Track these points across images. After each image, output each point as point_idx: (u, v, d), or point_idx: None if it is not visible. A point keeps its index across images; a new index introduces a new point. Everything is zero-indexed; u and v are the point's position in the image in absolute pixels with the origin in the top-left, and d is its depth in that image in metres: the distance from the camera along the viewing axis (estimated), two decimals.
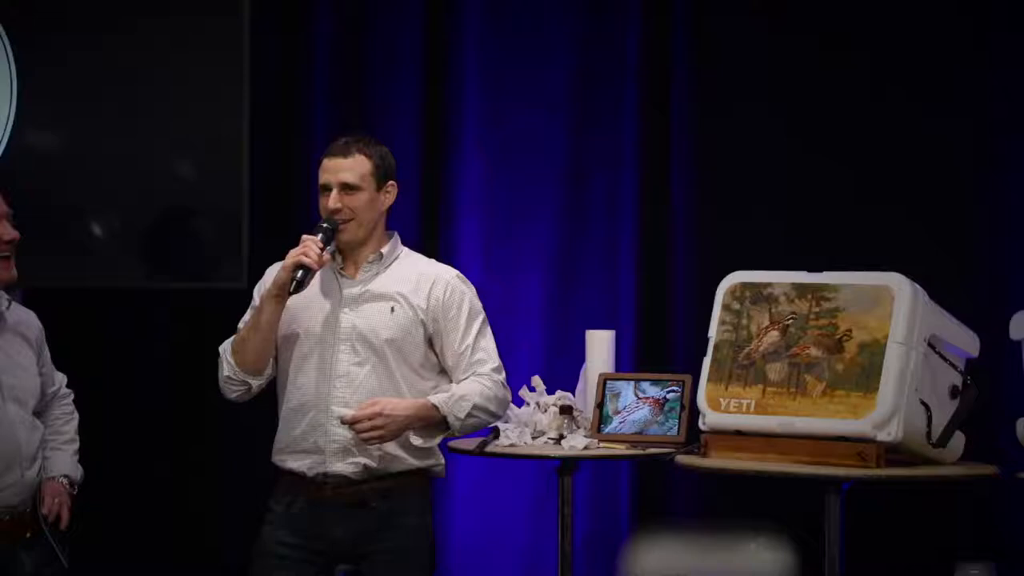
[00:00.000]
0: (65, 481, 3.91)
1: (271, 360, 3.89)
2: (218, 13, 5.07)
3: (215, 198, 5.21)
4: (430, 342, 3.89)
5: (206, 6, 5.10)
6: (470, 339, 3.88)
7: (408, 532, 3.86)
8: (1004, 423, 3.97)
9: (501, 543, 5.16)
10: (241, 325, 3.91)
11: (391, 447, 3.82)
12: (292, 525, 3.85)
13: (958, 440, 3.83)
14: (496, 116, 5.22)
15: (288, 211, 5.26)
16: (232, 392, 3.89)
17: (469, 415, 3.81)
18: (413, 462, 3.85)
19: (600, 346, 4.32)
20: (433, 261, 3.99)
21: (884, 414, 3.67)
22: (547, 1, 5.22)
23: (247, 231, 5.17)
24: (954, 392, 3.82)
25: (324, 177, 3.88)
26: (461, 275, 3.96)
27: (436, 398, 3.82)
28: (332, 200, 3.85)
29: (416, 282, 3.91)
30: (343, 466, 3.81)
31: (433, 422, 3.82)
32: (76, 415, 4.03)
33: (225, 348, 3.88)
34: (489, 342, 3.91)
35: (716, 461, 3.84)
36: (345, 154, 3.89)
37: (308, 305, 3.88)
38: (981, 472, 3.88)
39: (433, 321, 3.88)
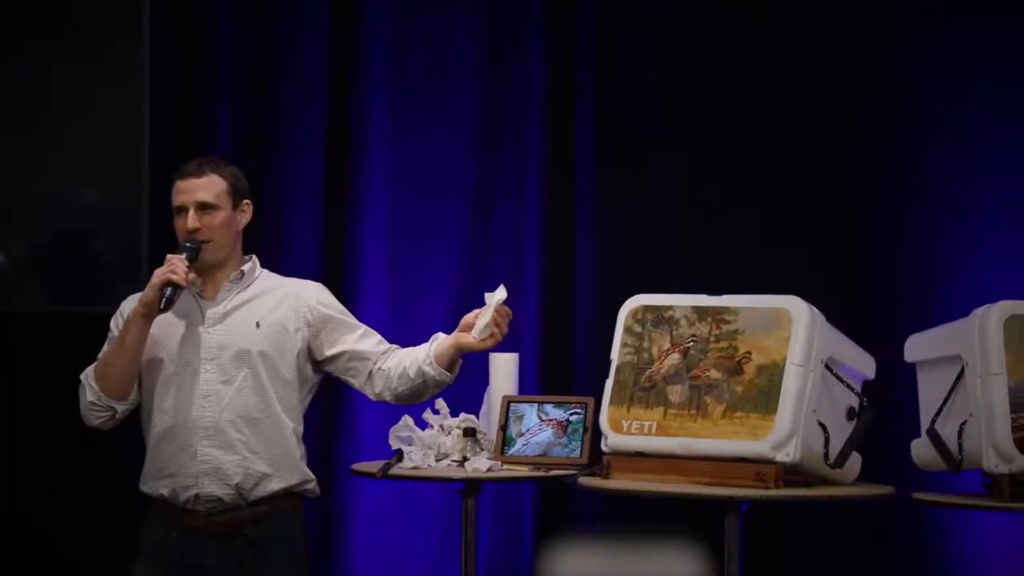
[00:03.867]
0: None
1: (135, 385, 3.86)
2: (119, 38, 5.06)
3: (115, 223, 5.18)
4: (308, 352, 3.92)
5: (107, 32, 5.08)
6: (361, 328, 3.98)
7: (281, 559, 3.86)
8: (899, 444, 4.03)
9: (405, 566, 5.15)
10: (101, 355, 3.88)
11: (262, 465, 3.82)
12: (165, 559, 3.82)
13: (855, 461, 3.88)
14: (400, 141, 5.24)
15: None
16: (96, 419, 3.86)
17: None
18: (284, 481, 3.87)
19: (503, 369, 4.33)
20: (293, 278, 4.01)
21: (782, 435, 3.72)
22: (451, 25, 5.25)
23: (147, 256, 5.15)
24: (851, 414, 3.87)
25: (179, 199, 3.88)
26: (322, 286, 4.04)
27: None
28: (191, 220, 3.85)
29: (282, 296, 3.94)
30: (215, 487, 3.80)
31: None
32: None
33: (88, 374, 3.86)
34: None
35: (618, 482, 3.87)
36: (199, 174, 3.89)
37: (170, 329, 3.87)
38: (878, 493, 3.93)
39: (308, 327, 3.92)
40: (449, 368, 3.95)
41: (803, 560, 4.85)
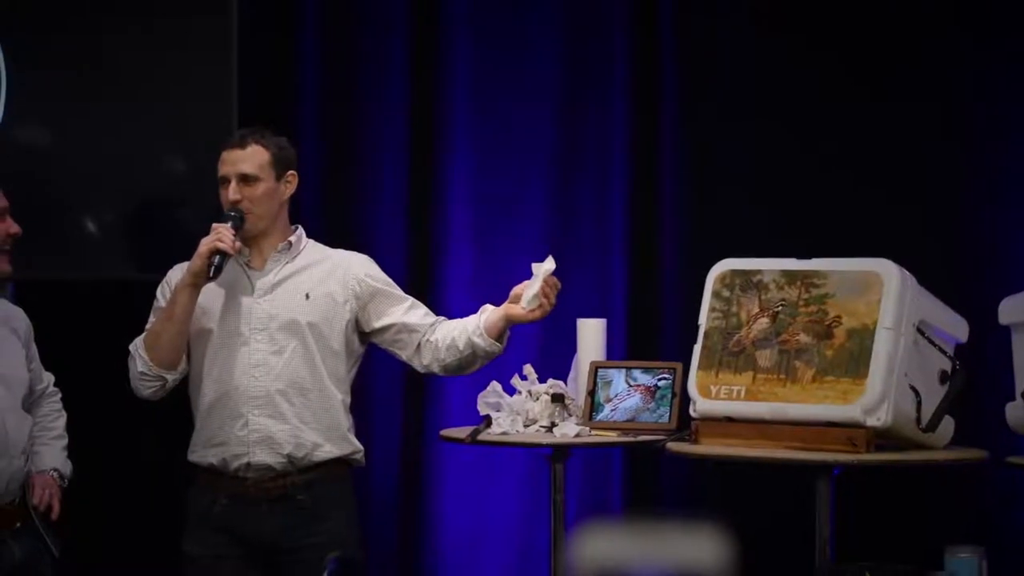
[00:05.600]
0: (55, 475, 3.91)
1: (184, 354, 3.87)
2: (207, 12, 5.08)
3: (203, 193, 5.20)
4: (356, 323, 3.91)
5: (195, 5, 5.10)
6: (408, 300, 3.95)
7: (336, 524, 3.86)
8: (993, 408, 3.98)
9: (493, 531, 5.16)
10: (149, 325, 3.90)
11: (313, 435, 3.83)
12: (216, 524, 3.84)
13: (947, 425, 3.83)
14: (484, 109, 5.22)
15: None
16: (146, 389, 3.88)
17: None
18: (334, 450, 3.87)
19: (591, 334, 4.32)
20: (340, 250, 4.00)
21: (873, 399, 3.68)
22: None
23: None
24: (943, 377, 3.82)
25: (223, 169, 3.89)
26: (369, 258, 4.01)
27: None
28: (232, 192, 3.86)
29: (330, 268, 3.93)
30: (266, 455, 3.81)
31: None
32: (64, 413, 4.03)
33: (137, 345, 3.87)
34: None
35: (706, 448, 3.85)
36: (242, 145, 3.89)
37: (218, 299, 3.88)
38: (971, 457, 3.89)
39: (357, 299, 3.90)
40: (499, 339, 3.90)
41: (894, 524, 4.80)
